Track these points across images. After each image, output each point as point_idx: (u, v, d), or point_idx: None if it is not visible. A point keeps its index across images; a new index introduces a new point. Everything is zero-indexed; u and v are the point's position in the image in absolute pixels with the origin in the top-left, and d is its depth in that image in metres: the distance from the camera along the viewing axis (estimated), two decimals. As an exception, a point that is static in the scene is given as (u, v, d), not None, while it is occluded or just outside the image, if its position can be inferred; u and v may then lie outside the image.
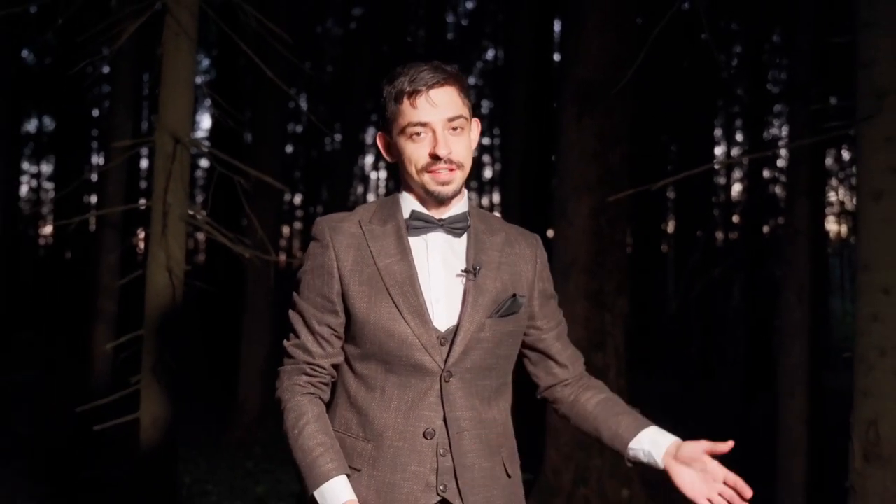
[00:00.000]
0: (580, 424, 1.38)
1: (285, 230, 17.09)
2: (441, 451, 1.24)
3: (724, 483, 1.26)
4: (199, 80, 2.83)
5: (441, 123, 1.24)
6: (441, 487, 1.23)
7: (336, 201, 9.33)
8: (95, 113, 12.27)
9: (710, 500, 1.25)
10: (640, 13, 6.70)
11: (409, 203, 1.30)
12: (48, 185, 15.60)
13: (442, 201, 1.28)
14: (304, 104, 12.66)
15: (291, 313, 1.31)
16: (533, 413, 2.64)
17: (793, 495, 3.69)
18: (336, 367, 1.31)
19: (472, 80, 14.45)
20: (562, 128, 4.06)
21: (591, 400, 1.37)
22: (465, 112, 1.27)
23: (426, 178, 1.26)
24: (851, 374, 2.55)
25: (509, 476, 1.30)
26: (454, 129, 1.26)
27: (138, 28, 2.72)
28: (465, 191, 1.32)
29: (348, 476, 1.21)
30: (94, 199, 11.29)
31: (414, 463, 1.23)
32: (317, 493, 1.19)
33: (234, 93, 8.05)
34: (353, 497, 1.18)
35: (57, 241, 11.80)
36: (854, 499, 2.52)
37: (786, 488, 3.72)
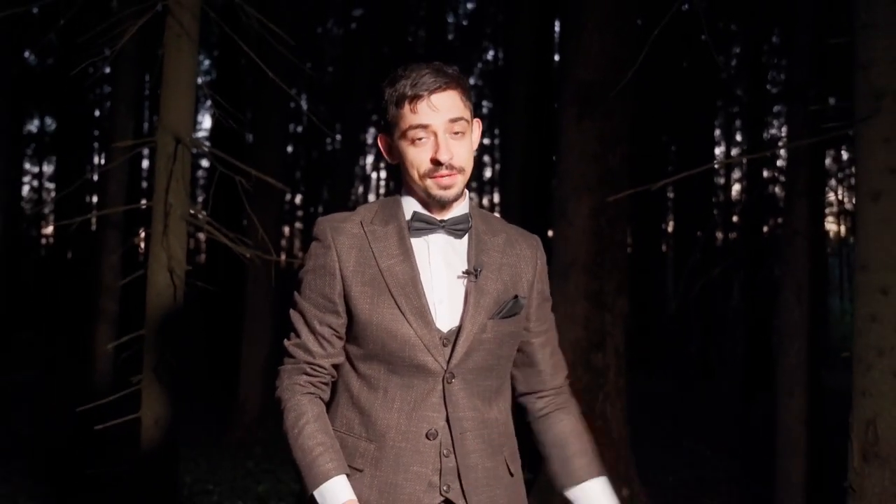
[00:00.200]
0: (538, 442, 1.39)
1: (286, 230, 17.09)
2: (444, 452, 1.24)
3: None
4: (200, 80, 2.84)
5: (443, 127, 1.24)
6: (444, 487, 1.24)
7: (337, 201, 9.34)
8: (97, 113, 12.29)
9: None
10: (639, 14, 6.70)
11: (410, 204, 1.30)
12: (50, 186, 15.61)
13: (444, 204, 1.28)
14: (304, 104, 12.67)
15: (292, 313, 1.31)
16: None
17: (792, 495, 3.69)
18: (337, 367, 1.30)
19: (472, 81, 14.45)
20: (562, 128, 4.06)
21: (556, 425, 1.37)
22: (467, 115, 1.27)
23: (428, 182, 1.26)
24: (850, 373, 2.55)
25: (512, 475, 1.30)
26: (456, 133, 1.25)
27: (140, 29, 2.72)
28: (466, 192, 1.33)
29: (348, 476, 1.21)
30: (95, 199, 11.30)
31: (416, 463, 1.23)
32: (316, 493, 1.19)
33: (236, 93, 8.06)
34: (353, 497, 1.19)
35: (58, 241, 11.80)
36: (853, 498, 2.52)
37: (785, 488, 3.72)
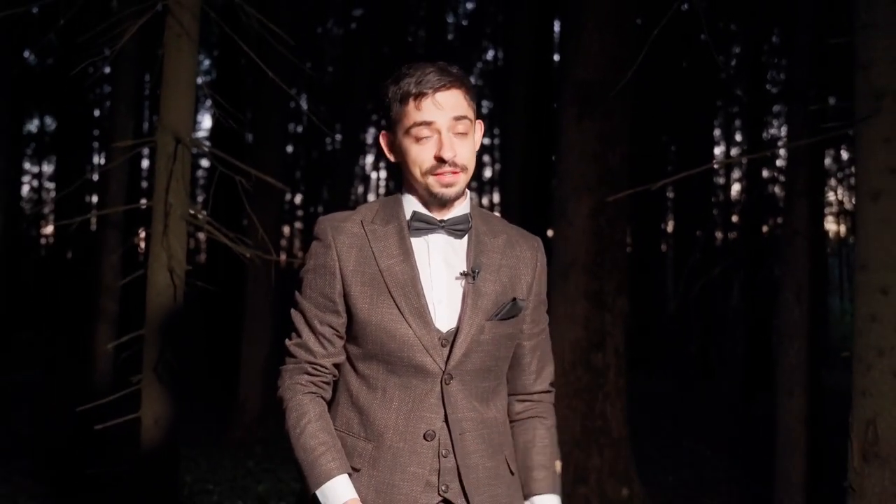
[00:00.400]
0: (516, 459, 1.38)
1: (286, 230, 17.11)
2: (443, 452, 1.24)
3: None
4: (200, 80, 2.84)
5: (447, 125, 1.25)
6: (443, 487, 1.24)
7: (336, 201, 9.35)
8: (97, 113, 12.29)
9: None
10: (639, 14, 6.72)
11: (411, 204, 1.30)
12: (49, 185, 15.62)
13: (444, 203, 1.28)
14: (304, 104, 12.67)
15: (293, 312, 1.31)
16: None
17: (791, 494, 3.69)
18: (338, 366, 1.31)
19: (472, 81, 14.44)
20: (562, 128, 4.06)
21: (526, 433, 1.36)
22: (471, 114, 1.28)
23: (430, 180, 1.26)
24: (850, 373, 2.55)
25: (512, 473, 1.31)
26: (459, 131, 1.26)
27: (140, 28, 2.72)
28: (467, 192, 1.33)
29: (350, 475, 1.22)
30: (95, 198, 11.29)
31: (414, 464, 1.23)
32: (318, 492, 1.19)
33: (236, 93, 8.06)
34: (355, 496, 1.19)
35: (58, 240, 11.80)
36: (852, 498, 2.52)
37: (785, 487, 3.73)
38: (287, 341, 1.32)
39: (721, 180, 11.43)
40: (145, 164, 11.85)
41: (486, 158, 16.78)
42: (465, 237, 1.31)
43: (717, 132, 11.44)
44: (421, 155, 1.25)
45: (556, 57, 7.45)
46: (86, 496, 4.05)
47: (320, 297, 1.28)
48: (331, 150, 15.37)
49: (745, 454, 5.46)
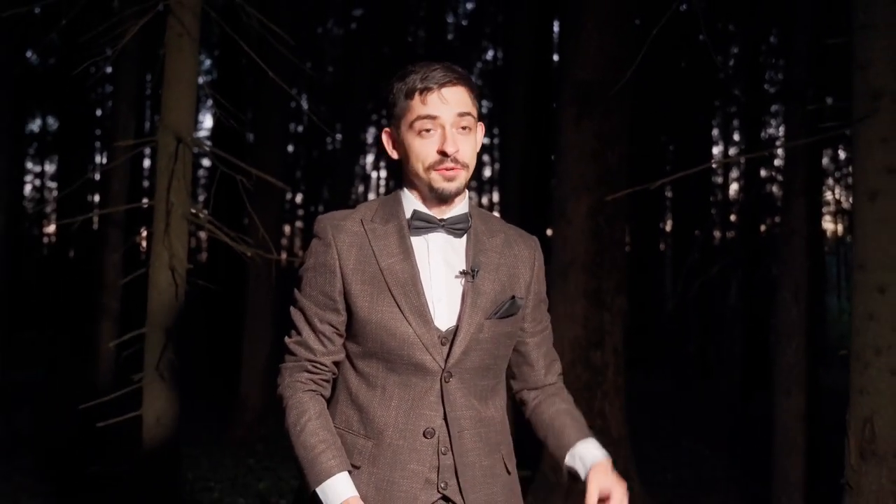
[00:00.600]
0: (536, 430, 1.40)
1: (286, 229, 17.12)
2: (442, 450, 1.25)
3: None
4: (201, 80, 2.85)
5: (451, 120, 1.25)
6: (442, 485, 1.25)
7: (337, 200, 9.36)
8: (98, 113, 12.31)
9: None
10: (638, 14, 6.73)
11: (410, 202, 1.31)
12: (52, 185, 15.63)
13: (445, 200, 1.28)
14: (305, 104, 12.68)
15: (293, 310, 1.32)
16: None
17: (789, 493, 3.71)
18: (337, 364, 1.31)
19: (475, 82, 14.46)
20: (561, 128, 4.07)
21: (549, 409, 1.39)
22: (474, 112, 1.28)
23: (433, 175, 1.26)
24: (847, 372, 2.56)
25: (509, 472, 1.32)
26: (463, 127, 1.27)
27: (141, 28, 2.73)
28: (466, 191, 1.33)
29: (350, 473, 1.22)
30: (97, 198, 11.32)
31: (413, 461, 1.24)
32: (319, 490, 1.20)
33: (236, 93, 8.07)
34: (355, 493, 1.20)
35: (60, 239, 11.81)
36: (850, 495, 2.53)
37: (782, 485, 3.74)
38: (287, 339, 1.32)
39: (719, 180, 11.45)
40: (147, 163, 11.86)
41: (485, 158, 16.78)
42: (465, 236, 1.31)
43: (715, 132, 11.46)
44: (424, 149, 1.26)
45: (556, 57, 7.46)
46: (87, 494, 4.06)
47: (320, 296, 1.28)
48: (331, 149, 15.38)
49: (743, 453, 5.48)
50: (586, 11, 3.95)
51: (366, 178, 18.64)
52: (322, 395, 1.30)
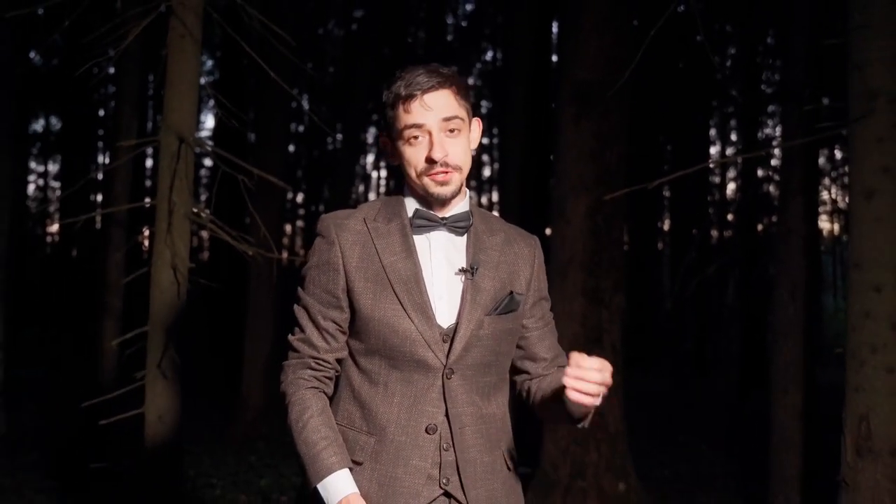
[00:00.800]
0: (540, 403, 1.35)
1: (288, 228, 17.17)
2: (444, 446, 1.26)
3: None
4: (203, 80, 2.88)
5: (437, 126, 1.26)
6: (444, 481, 1.26)
7: (337, 200, 9.39)
8: (101, 113, 12.34)
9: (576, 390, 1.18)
10: (636, 15, 6.75)
11: (412, 202, 1.33)
12: (55, 184, 15.68)
13: (443, 202, 1.30)
14: (306, 104, 12.69)
15: (296, 308, 1.33)
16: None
17: (786, 489, 3.73)
18: (340, 361, 1.32)
19: (471, 81, 14.48)
20: (560, 128, 4.08)
21: (546, 377, 1.37)
22: (462, 113, 1.29)
23: (425, 181, 1.28)
24: (843, 369, 2.58)
25: (510, 469, 1.33)
26: (451, 131, 1.27)
27: (143, 29, 2.76)
28: (466, 190, 1.34)
29: (351, 470, 1.23)
30: (100, 197, 11.36)
31: (416, 457, 1.25)
32: (320, 486, 1.21)
33: (238, 93, 8.08)
34: (356, 490, 1.21)
35: (63, 238, 11.83)
36: (846, 492, 2.55)
37: (779, 482, 3.76)
38: (290, 337, 1.34)
39: (717, 179, 11.47)
40: (149, 163, 11.88)
41: (485, 158, 16.81)
42: (466, 235, 1.33)
43: (712, 132, 11.48)
44: (414, 157, 1.28)
45: (555, 57, 7.47)
46: (91, 490, 4.08)
47: (323, 293, 1.30)
48: (332, 149, 15.40)
49: (740, 450, 5.50)
50: (585, 12, 3.96)
51: (366, 178, 18.66)
52: (325, 392, 1.31)
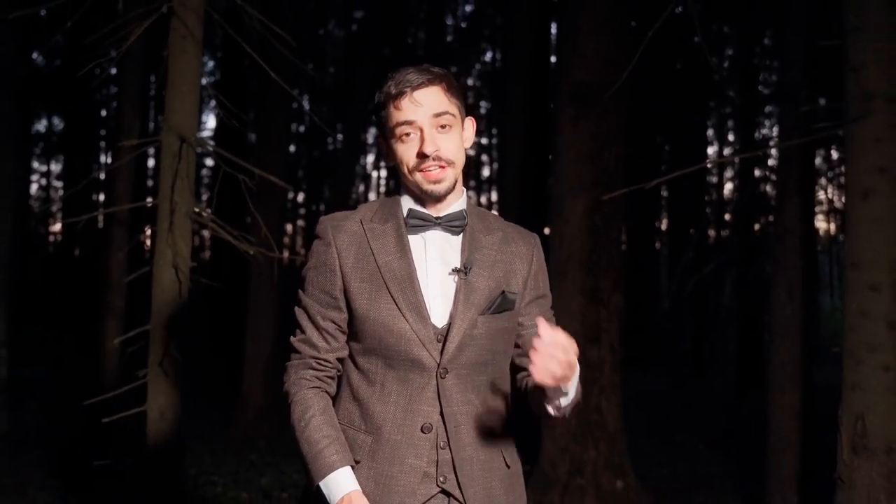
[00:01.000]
0: (530, 399, 1.33)
1: (288, 228, 17.20)
2: (440, 444, 1.27)
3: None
4: (204, 81, 2.89)
5: (427, 122, 1.27)
6: (441, 479, 1.27)
7: (338, 200, 9.41)
8: (103, 113, 12.36)
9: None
10: (634, 17, 6.78)
11: (407, 202, 1.34)
12: (57, 184, 15.69)
13: (437, 199, 1.31)
14: (306, 105, 12.70)
15: (297, 310, 1.34)
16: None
17: (783, 488, 3.75)
18: (341, 360, 1.34)
19: (470, 82, 14.53)
20: (558, 129, 4.10)
21: None
22: (452, 109, 1.29)
23: (418, 177, 1.29)
24: (839, 368, 2.59)
25: (508, 466, 1.33)
26: (442, 126, 1.28)
27: (145, 30, 2.77)
28: (463, 189, 1.36)
29: (352, 467, 1.25)
30: (102, 197, 11.36)
31: (411, 456, 1.26)
32: (322, 484, 1.22)
33: (239, 94, 8.09)
34: (357, 487, 1.22)
35: (66, 238, 11.87)
36: (842, 490, 2.56)
37: (776, 481, 3.78)
38: (292, 338, 1.35)
39: (714, 179, 11.46)
40: (151, 163, 11.90)
41: (484, 158, 16.84)
42: (462, 234, 1.33)
43: (710, 132, 11.48)
44: (406, 153, 1.29)
45: (553, 59, 7.49)
46: (93, 488, 4.09)
47: (322, 294, 1.31)
48: (332, 149, 15.42)
49: (737, 449, 5.51)
50: (583, 14, 3.98)
51: (366, 178, 18.67)
52: (327, 391, 1.32)
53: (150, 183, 11.73)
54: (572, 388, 1.25)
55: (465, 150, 1.35)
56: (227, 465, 4.78)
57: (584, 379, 3.96)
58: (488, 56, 14.40)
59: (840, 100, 2.66)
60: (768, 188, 9.67)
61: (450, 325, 1.27)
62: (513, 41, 6.80)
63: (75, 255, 11.65)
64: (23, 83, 7.76)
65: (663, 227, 12.41)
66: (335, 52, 13.08)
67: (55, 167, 15.78)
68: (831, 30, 3.74)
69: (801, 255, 3.76)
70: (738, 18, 8.69)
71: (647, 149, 9.68)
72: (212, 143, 8.93)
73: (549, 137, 5.40)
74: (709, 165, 10.07)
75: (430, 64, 1.33)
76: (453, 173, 1.31)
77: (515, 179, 6.57)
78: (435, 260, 1.31)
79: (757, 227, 8.99)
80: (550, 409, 1.27)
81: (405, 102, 1.27)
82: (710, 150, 12.07)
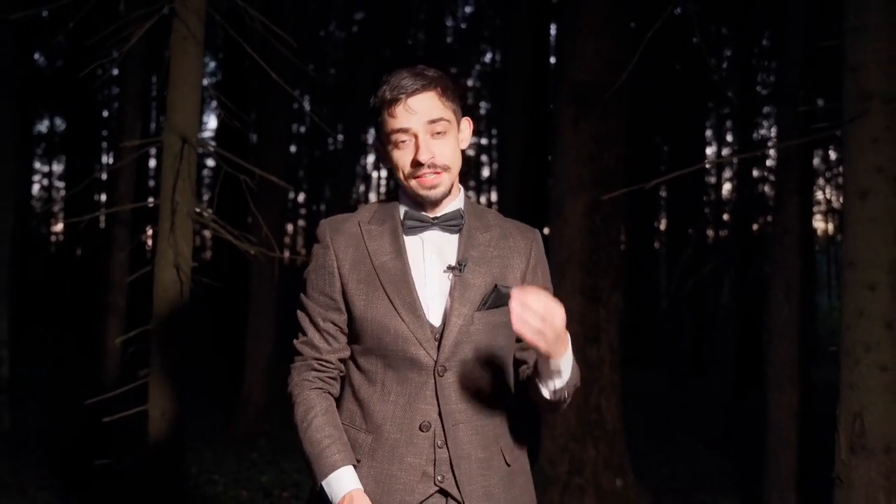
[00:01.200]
0: (530, 390, 1.34)
1: (289, 228, 17.23)
2: (438, 443, 1.27)
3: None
4: (205, 81, 2.90)
5: (421, 129, 1.27)
6: (439, 478, 1.27)
7: (338, 200, 9.42)
8: (105, 114, 12.39)
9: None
10: (633, 18, 6.79)
11: (405, 204, 1.34)
12: (59, 184, 15.72)
13: (434, 203, 1.32)
14: (307, 105, 12.71)
15: (299, 313, 1.36)
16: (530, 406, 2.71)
17: (781, 487, 3.76)
18: (343, 361, 1.35)
19: (470, 83, 14.54)
20: (558, 129, 4.11)
21: None
22: (447, 115, 1.29)
23: (413, 183, 1.29)
24: (837, 368, 2.60)
25: (508, 465, 1.32)
26: (437, 132, 1.28)
27: (147, 31, 2.78)
28: (460, 188, 1.36)
29: (355, 467, 1.25)
30: (103, 197, 11.36)
31: (411, 455, 1.27)
32: (324, 483, 1.23)
33: (240, 94, 8.10)
34: (359, 486, 1.23)
35: (68, 238, 11.90)
36: (840, 489, 2.57)
37: (775, 480, 3.79)
38: (294, 340, 1.37)
39: (713, 180, 11.46)
40: (152, 163, 11.93)
41: (484, 158, 16.86)
42: (459, 232, 1.34)
43: (708, 133, 11.47)
44: (401, 160, 1.29)
45: (553, 59, 7.50)
46: (94, 487, 4.10)
47: (322, 296, 1.33)
48: (333, 149, 15.44)
49: (736, 448, 5.52)
50: (583, 15, 3.99)
51: (367, 178, 18.69)
52: (330, 392, 1.33)
53: (151, 183, 11.76)
54: (566, 369, 1.24)
55: (462, 151, 1.35)
56: (228, 464, 4.79)
57: (584, 379, 3.99)
58: (488, 57, 14.43)
59: (838, 100, 2.67)
60: (767, 188, 9.68)
61: (445, 322, 1.28)
62: (512, 42, 6.81)
63: (77, 255, 11.68)
64: (24, 83, 7.79)
65: (662, 227, 12.42)
66: (336, 52, 13.10)
67: (57, 167, 15.82)
68: (830, 30, 3.75)
69: (800, 254, 3.77)
70: (736, 19, 8.70)
71: (647, 149, 9.69)
72: (213, 143, 8.95)
73: (549, 138, 5.41)
74: (707, 166, 10.09)
75: (428, 65, 1.33)
76: (449, 178, 1.31)
77: (515, 180, 6.58)
78: (433, 259, 1.32)
79: (755, 227, 9.00)
80: (546, 393, 1.27)
81: (399, 110, 1.27)
82: (709, 151, 12.08)
